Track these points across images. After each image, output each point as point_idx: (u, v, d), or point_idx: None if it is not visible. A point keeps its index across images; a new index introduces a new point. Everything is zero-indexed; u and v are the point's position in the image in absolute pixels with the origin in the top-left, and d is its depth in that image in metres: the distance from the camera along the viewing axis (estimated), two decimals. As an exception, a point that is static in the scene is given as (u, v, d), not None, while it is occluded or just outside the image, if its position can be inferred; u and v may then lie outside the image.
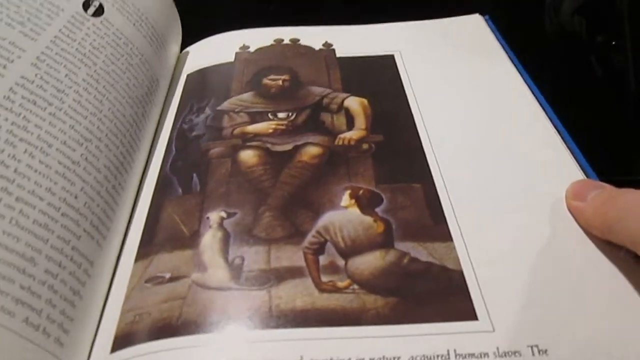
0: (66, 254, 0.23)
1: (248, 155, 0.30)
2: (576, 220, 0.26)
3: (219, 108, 0.34)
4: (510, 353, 0.21)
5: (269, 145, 0.31)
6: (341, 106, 0.34)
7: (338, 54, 0.38)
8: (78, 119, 0.27)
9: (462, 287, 0.23)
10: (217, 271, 0.24)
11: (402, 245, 0.25)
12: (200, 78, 0.37)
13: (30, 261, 0.22)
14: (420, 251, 0.25)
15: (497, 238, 0.25)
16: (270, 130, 0.32)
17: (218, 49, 0.39)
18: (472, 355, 0.21)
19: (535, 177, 0.28)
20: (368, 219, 0.26)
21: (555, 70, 0.40)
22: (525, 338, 0.21)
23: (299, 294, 0.23)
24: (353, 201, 0.27)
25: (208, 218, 0.27)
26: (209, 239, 0.26)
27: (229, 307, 0.23)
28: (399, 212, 0.27)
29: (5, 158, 0.23)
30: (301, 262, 0.24)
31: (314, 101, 0.34)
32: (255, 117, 0.33)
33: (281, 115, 0.33)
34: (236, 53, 0.38)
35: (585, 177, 0.28)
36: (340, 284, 0.23)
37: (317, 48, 0.39)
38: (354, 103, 0.34)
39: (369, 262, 0.24)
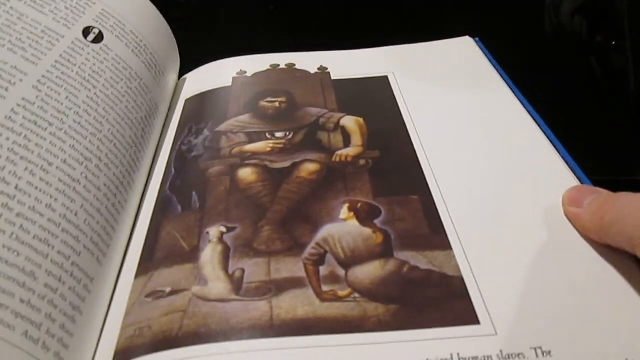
0: (66, 269, 0.23)
1: (247, 173, 0.31)
2: (574, 225, 0.26)
3: (217, 129, 0.34)
4: (514, 355, 0.21)
5: (267, 163, 0.31)
6: (337, 125, 0.34)
7: (333, 77, 0.39)
8: (78, 139, 0.28)
9: (463, 293, 0.23)
10: (217, 284, 0.24)
11: (401, 255, 0.25)
12: (199, 102, 0.38)
13: (30, 275, 0.22)
14: (419, 259, 0.25)
15: (497, 245, 0.25)
16: (268, 149, 0.32)
17: (215, 75, 0.40)
18: (476, 358, 0.21)
19: (531, 185, 0.28)
20: (367, 230, 0.26)
21: (555, 70, 0.40)
22: (528, 340, 0.21)
23: (299, 303, 0.23)
24: (352, 214, 0.27)
25: (208, 233, 0.27)
26: (209, 253, 0.26)
27: (230, 318, 0.22)
28: (397, 223, 0.27)
29: (7, 175, 0.24)
30: (301, 273, 0.24)
31: (310, 121, 0.35)
32: (253, 137, 0.33)
33: (279, 134, 0.34)
34: (233, 78, 0.39)
35: (580, 184, 0.28)
36: (341, 293, 0.23)
37: (312, 72, 0.40)
38: (350, 122, 0.34)
39: (369, 271, 0.24)
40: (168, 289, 0.24)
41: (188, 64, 0.42)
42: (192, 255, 0.26)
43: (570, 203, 0.26)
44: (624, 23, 0.36)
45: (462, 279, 0.24)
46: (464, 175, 0.29)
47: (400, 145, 0.32)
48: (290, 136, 0.33)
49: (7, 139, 0.25)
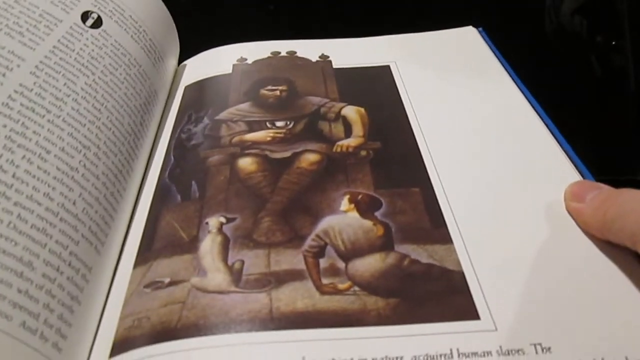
0: (64, 259, 0.23)
1: (246, 162, 0.30)
2: (575, 221, 0.26)
3: (217, 118, 0.34)
4: (513, 351, 0.21)
5: (267, 153, 0.31)
6: (339, 115, 0.34)
7: (335, 65, 0.38)
8: (76, 126, 0.27)
9: (463, 287, 0.23)
10: (216, 275, 0.24)
11: (402, 248, 0.25)
12: (198, 89, 0.37)
13: (27, 265, 0.22)
14: (420, 253, 0.25)
15: (498, 239, 0.25)
16: (269, 139, 0.32)
17: (215, 62, 0.39)
18: (476, 354, 0.21)
19: (533, 180, 0.28)
20: (367, 223, 0.26)
21: (556, 70, 0.40)
22: (528, 336, 0.21)
23: (299, 296, 0.23)
24: (352, 206, 0.27)
25: (207, 223, 0.27)
26: (208, 244, 0.25)
27: (229, 310, 0.22)
28: (398, 215, 0.27)
29: (4, 163, 0.23)
30: (301, 265, 0.24)
31: (311, 110, 0.34)
32: (253, 126, 0.33)
33: (279, 124, 0.33)
34: (233, 65, 0.39)
35: (583, 179, 0.28)
36: (341, 286, 0.23)
37: (313, 60, 0.39)
38: (352, 112, 0.34)
39: (370, 264, 0.24)
40: (167, 280, 0.24)
41: (188, 50, 0.41)
42: (191, 245, 0.26)
43: (572, 198, 0.26)
44: (624, 23, 0.36)
45: (463, 273, 0.24)
46: (466, 168, 0.29)
47: (402, 137, 0.32)
48: (291, 125, 0.33)
49: (4, 126, 0.25)
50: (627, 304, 0.22)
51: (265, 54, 0.40)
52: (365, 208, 0.27)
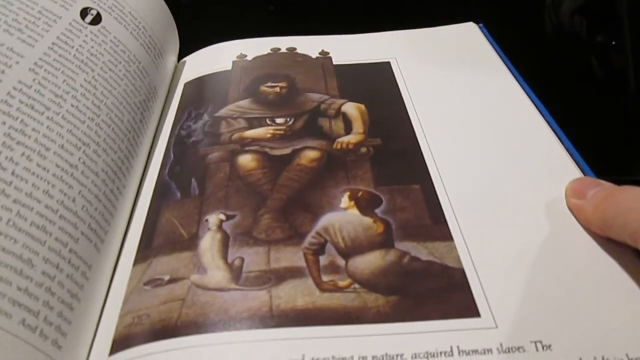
0: (64, 256, 0.23)
1: (246, 160, 0.30)
2: (576, 217, 0.26)
3: (216, 114, 0.34)
4: (513, 349, 0.21)
5: (267, 150, 0.31)
6: (339, 111, 0.34)
7: (335, 62, 0.38)
8: (76, 123, 0.27)
9: (463, 285, 0.23)
10: (216, 272, 0.24)
11: (402, 245, 0.25)
12: (198, 86, 0.37)
13: (27, 263, 0.22)
14: (420, 250, 0.25)
15: (498, 236, 0.25)
16: (269, 135, 0.32)
17: (215, 58, 0.39)
18: (476, 351, 0.21)
19: (534, 176, 0.28)
20: (368, 220, 0.26)
21: (556, 70, 0.40)
22: (529, 334, 0.21)
23: (299, 293, 0.23)
24: (352, 203, 0.27)
25: (207, 220, 0.27)
26: (208, 241, 0.25)
27: (229, 308, 0.22)
28: (398, 213, 0.27)
29: (3, 160, 0.23)
30: (301, 263, 0.24)
31: (311, 107, 0.34)
32: (253, 123, 0.33)
33: (279, 120, 0.33)
34: (233, 61, 0.38)
35: (583, 176, 0.28)
36: (341, 284, 0.23)
37: (313, 56, 0.39)
38: (352, 108, 0.34)
39: (370, 261, 0.24)
40: (167, 277, 0.24)
41: (187, 46, 0.41)
42: (191, 243, 0.26)
43: (573, 195, 0.26)
44: (624, 23, 0.36)
45: (463, 270, 0.23)
46: (466, 165, 0.29)
47: (402, 133, 0.31)
48: (291, 122, 0.33)
49: (3, 123, 0.25)
50: (627, 302, 0.22)
51: (265, 50, 0.40)
52: (366, 205, 0.27)
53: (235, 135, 0.32)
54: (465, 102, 0.34)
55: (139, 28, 0.36)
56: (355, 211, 0.27)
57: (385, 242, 0.25)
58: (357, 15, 0.49)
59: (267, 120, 0.33)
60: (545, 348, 0.21)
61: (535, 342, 0.21)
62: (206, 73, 0.38)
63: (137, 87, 0.33)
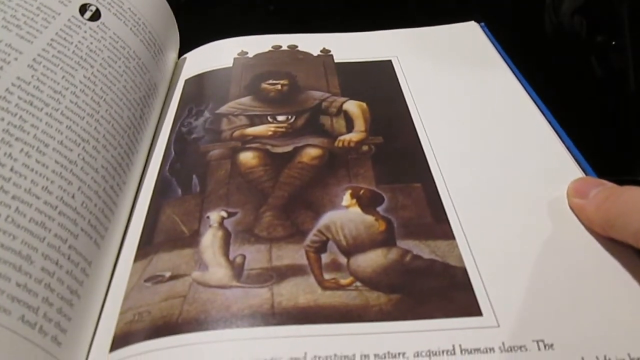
0: (63, 252, 0.23)
1: (247, 157, 0.30)
2: (578, 217, 0.25)
3: (217, 111, 0.34)
4: (516, 348, 0.20)
5: (268, 147, 0.31)
6: (340, 109, 0.34)
7: (336, 60, 0.38)
8: (75, 119, 0.27)
9: (465, 284, 0.23)
10: (218, 270, 0.24)
11: (404, 244, 0.25)
12: (199, 82, 0.37)
13: (26, 259, 0.21)
14: (422, 249, 0.24)
15: (500, 235, 0.25)
16: (270, 133, 0.32)
17: (216, 55, 0.39)
18: (478, 350, 0.20)
19: (535, 176, 0.28)
20: (369, 218, 0.26)
21: (556, 70, 0.40)
22: (531, 333, 0.21)
23: (301, 291, 0.23)
24: (354, 201, 0.27)
25: (208, 217, 0.26)
26: (210, 238, 0.25)
27: (231, 305, 0.22)
28: (400, 211, 0.26)
29: (2, 157, 0.23)
30: (303, 261, 0.24)
31: (313, 105, 0.34)
32: (254, 120, 0.33)
33: (280, 118, 0.33)
34: (234, 58, 0.38)
35: (585, 175, 0.28)
36: (343, 281, 0.23)
37: (315, 54, 0.39)
38: (353, 106, 0.34)
39: (371, 259, 0.24)
40: (168, 274, 0.24)
41: (188, 43, 0.41)
42: (192, 239, 0.25)
43: (575, 194, 0.26)
44: (624, 23, 0.36)
45: (465, 269, 0.23)
46: (468, 163, 0.29)
47: (404, 131, 0.31)
48: (292, 120, 0.33)
49: (2, 119, 0.24)
50: (629, 301, 0.22)
51: (267, 47, 0.39)
52: (367, 203, 0.27)
53: (237, 133, 0.32)
54: (466, 100, 0.34)
55: (138, 24, 0.36)
56: (357, 209, 0.27)
57: (387, 240, 0.25)
58: (358, 16, 0.49)
59: (269, 117, 0.33)
60: (547, 347, 0.20)
61: (538, 341, 0.21)
62: (207, 70, 0.38)
63: (136, 83, 0.33)
